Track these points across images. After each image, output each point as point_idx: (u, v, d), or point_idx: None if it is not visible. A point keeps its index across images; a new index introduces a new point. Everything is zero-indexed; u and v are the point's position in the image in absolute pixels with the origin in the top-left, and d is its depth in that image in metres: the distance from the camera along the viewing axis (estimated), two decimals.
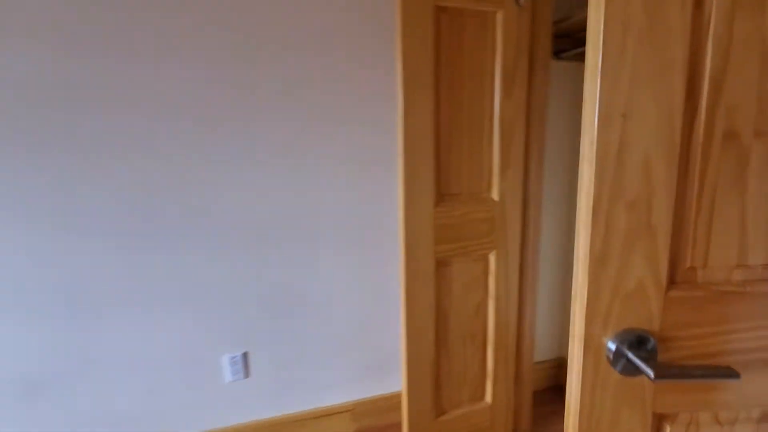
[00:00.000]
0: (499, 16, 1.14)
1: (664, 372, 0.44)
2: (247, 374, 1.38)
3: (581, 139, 0.46)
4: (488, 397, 1.36)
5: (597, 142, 0.44)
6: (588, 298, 0.47)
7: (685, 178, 0.46)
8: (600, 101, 0.43)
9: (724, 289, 0.48)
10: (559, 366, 1.77)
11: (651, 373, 0.44)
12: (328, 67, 1.30)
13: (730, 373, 0.44)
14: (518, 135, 1.22)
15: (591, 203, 0.45)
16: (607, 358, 0.49)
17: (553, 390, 1.74)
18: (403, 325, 1.17)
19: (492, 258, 1.27)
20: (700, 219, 0.47)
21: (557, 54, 1.49)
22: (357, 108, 1.35)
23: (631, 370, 0.48)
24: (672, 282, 0.49)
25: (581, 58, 1.43)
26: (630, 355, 0.47)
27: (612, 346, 0.48)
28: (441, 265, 1.20)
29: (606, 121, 0.43)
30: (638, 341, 0.48)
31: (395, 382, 1.56)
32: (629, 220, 0.46)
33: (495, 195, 1.24)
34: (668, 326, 0.49)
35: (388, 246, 1.47)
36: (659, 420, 0.52)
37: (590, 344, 0.48)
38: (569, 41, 1.48)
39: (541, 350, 1.73)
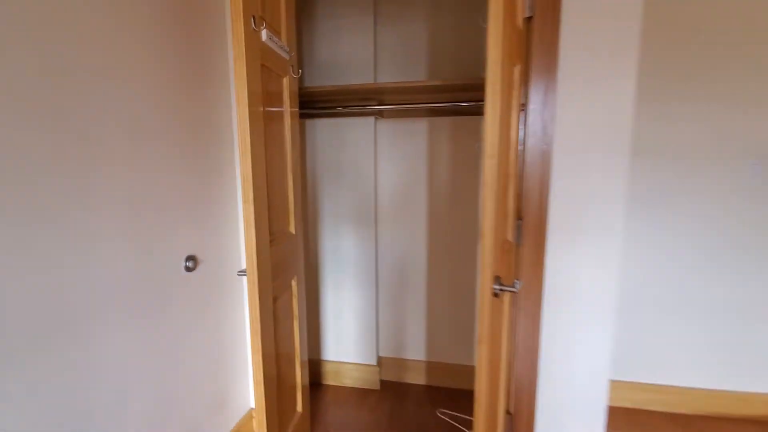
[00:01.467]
0: (285, 80, 1.37)
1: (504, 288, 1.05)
2: None
3: (483, 167, 0.97)
4: (299, 407, 1.53)
5: (487, 172, 0.97)
6: (488, 265, 0.99)
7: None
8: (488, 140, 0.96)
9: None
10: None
11: (515, 289, 1.03)
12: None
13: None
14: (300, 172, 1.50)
15: (491, 213, 0.97)
16: (493, 291, 1.03)
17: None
18: (258, 364, 1.15)
19: (294, 283, 1.47)
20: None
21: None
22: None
23: (498, 294, 1.05)
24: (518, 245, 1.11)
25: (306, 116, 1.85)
26: (496, 287, 1.04)
27: (496, 287, 1.03)
28: (275, 300, 1.27)
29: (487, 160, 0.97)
30: (498, 280, 1.06)
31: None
32: (499, 211, 1.02)
33: (292, 228, 1.45)
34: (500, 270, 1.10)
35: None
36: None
37: (486, 288, 1.01)
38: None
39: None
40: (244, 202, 1.10)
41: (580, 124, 1.32)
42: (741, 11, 1.68)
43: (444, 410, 1.95)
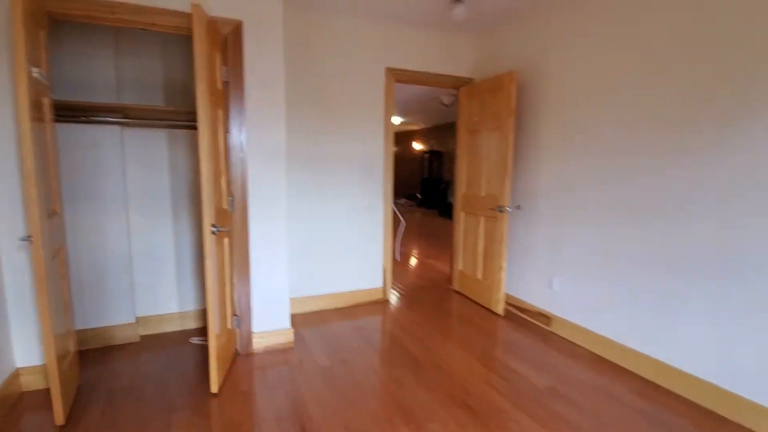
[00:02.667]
0: (46, 99, 1.88)
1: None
2: None
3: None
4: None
5: (204, 168, 1.92)
6: (206, 216, 1.94)
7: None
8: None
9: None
10: None
11: (225, 230, 2.02)
12: None
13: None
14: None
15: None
16: (211, 231, 1.98)
17: None
18: (45, 316, 1.70)
19: (62, 251, 1.97)
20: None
21: None
22: None
23: (216, 233, 2.01)
24: None
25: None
26: (214, 229, 1.99)
27: (213, 228, 1.98)
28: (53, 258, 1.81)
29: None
30: (215, 225, 2.01)
31: None
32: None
33: (57, 209, 1.95)
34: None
35: None
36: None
37: (207, 229, 1.95)
38: None
39: None
40: (27, 186, 1.63)
41: (260, 143, 2.44)
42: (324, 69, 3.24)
43: (194, 338, 2.75)
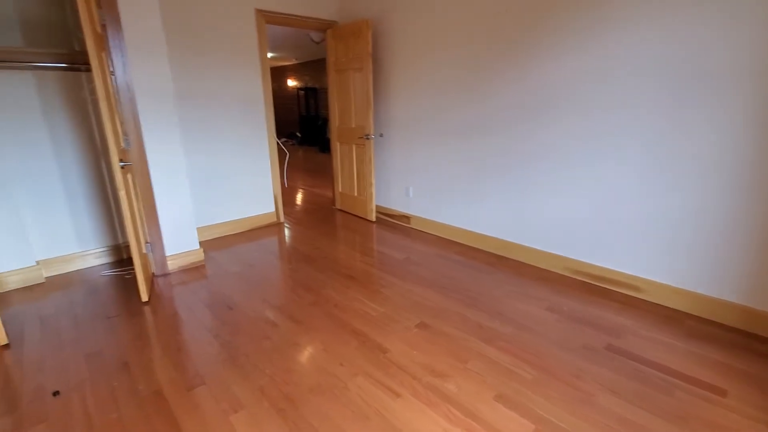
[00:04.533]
0: None
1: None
2: None
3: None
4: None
5: (103, 106, 2.18)
6: (113, 154, 2.23)
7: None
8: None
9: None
10: None
11: (130, 163, 2.33)
12: None
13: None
14: None
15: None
16: (120, 166, 2.29)
17: None
18: None
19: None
20: None
21: None
22: None
23: (123, 168, 2.31)
24: None
25: None
26: (121, 164, 2.30)
27: (121, 163, 2.28)
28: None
29: None
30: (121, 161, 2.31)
31: None
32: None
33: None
34: None
35: None
36: None
37: (116, 165, 2.25)
38: None
39: None
40: None
41: (146, 82, 2.66)
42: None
43: (105, 271, 3.01)
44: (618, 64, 2.34)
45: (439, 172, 3.58)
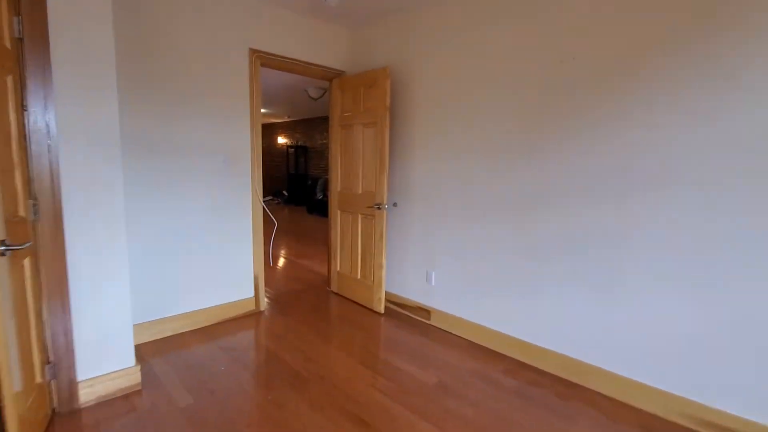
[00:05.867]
0: None
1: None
2: None
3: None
4: None
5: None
6: None
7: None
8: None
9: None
10: None
11: (24, 247, 1.41)
12: None
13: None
14: None
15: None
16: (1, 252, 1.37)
17: None
18: None
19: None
20: None
21: None
22: None
23: (5, 253, 1.39)
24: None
25: None
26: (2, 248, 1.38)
27: (2, 248, 1.37)
28: None
29: None
30: (4, 242, 1.40)
31: None
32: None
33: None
34: None
35: None
36: None
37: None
38: None
39: None
40: None
41: (79, 123, 1.82)
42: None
43: None
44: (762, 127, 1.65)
45: (475, 255, 2.75)
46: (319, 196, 9.55)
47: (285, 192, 11.76)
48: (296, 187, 11.16)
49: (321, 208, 9.28)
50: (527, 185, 2.42)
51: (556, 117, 2.27)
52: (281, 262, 4.99)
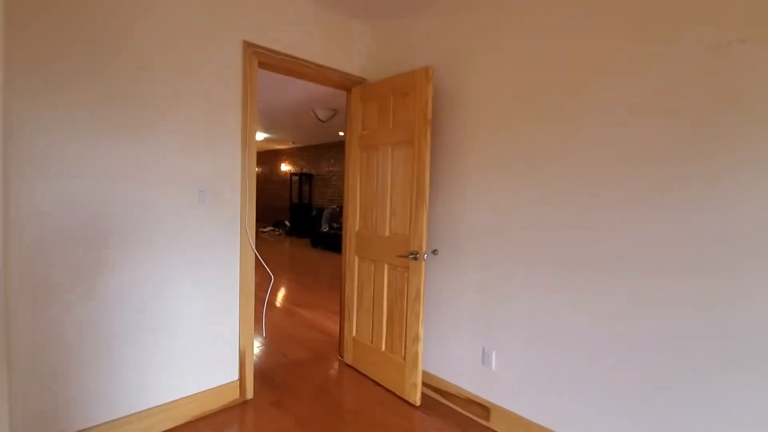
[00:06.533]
0: None
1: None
2: None
3: None
4: None
5: None
6: None
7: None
8: None
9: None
10: None
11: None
12: None
13: None
14: None
15: None
16: None
17: None
18: None
19: None
20: None
21: None
22: None
23: None
24: None
25: None
26: None
27: None
28: None
29: None
30: None
31: None
32: None
33: None
34: None
35: None
36: None
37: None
38: None
39: None
40: None
41: None
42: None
43: None
44: None
45: (568, 332, 1.87)
46: (325, 228, 8.70)
47: (287, 222, 10.94)
48: (299, 217, 10.36)
49: (326, 242, 8.42)
50: (667, 238, 1.57)
51: (716, 149, 1.45)
52: (279, 315, 4.08)
